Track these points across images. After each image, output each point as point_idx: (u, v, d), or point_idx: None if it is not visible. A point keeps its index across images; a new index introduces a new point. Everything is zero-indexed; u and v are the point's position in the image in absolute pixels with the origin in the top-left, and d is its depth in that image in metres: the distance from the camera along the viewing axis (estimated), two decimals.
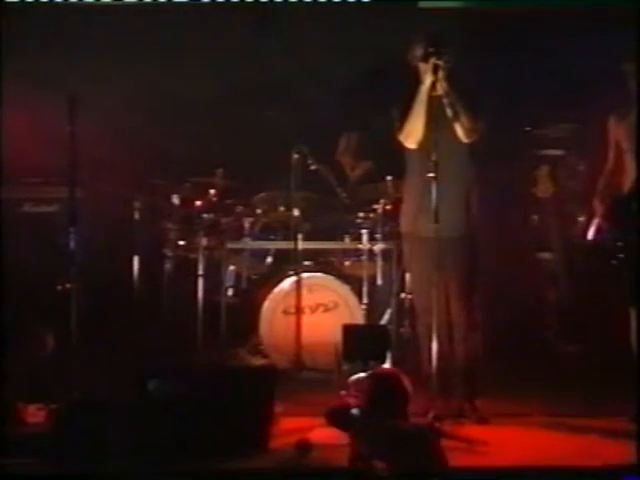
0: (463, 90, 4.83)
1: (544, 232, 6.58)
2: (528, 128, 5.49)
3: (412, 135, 4.87)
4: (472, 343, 4.91)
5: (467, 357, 4.89)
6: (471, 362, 4.91)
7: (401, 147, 4.99)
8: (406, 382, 3.90)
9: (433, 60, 4.73)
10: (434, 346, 4.61)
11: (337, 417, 3.88)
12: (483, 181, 5.02)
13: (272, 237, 6.30)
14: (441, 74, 4.74)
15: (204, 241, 5.98)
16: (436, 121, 4.74)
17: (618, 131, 4.91)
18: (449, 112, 4.81)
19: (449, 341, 4.86)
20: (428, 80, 4.78)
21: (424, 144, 4.84)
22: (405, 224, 5.06)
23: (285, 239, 6.13)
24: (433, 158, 4.63)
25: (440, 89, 4.77)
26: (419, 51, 4.84)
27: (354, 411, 3.86)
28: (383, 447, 3.61)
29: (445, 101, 4.80)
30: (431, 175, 4.64)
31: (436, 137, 4.69)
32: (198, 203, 6.04)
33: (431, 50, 4.75)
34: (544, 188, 6.49)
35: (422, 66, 4.84)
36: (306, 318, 5.85)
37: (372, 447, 3.64)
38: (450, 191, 4.74)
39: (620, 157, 4.89)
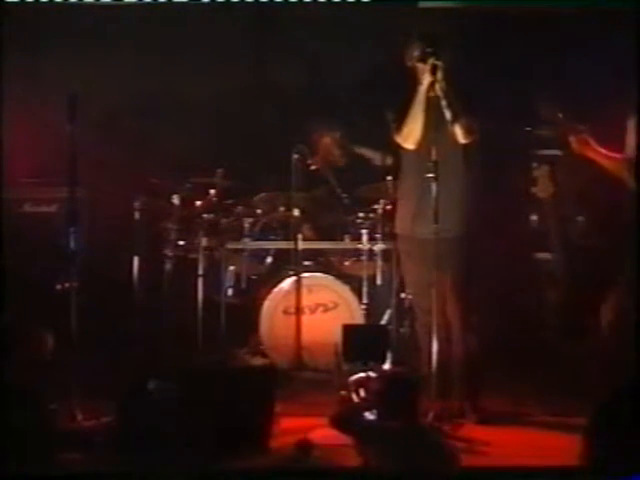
0: (461, 90, 4.83)
1: (543, 232, 6.58)
2: (528, 128, 5.50)
3: (411, 136, 4.86)
4: (470, 343, 4.91)
5: (466, 357, 4.90)
6: (470, 362, 4.91)
7: (397, 148, 5.00)
8: (414, 383, 3.89)
9: (431, 60, 4.73)
10: (434, 346, 4.61)
11: (343, 422, 3.87)
12: (481, 181, 5.02)
13: (272, 237, 6.29)
14: (439, 74, 4.73)
15: (204, 241, 5.98)
16: (434, 121, 4.74)
17: None
18: (447, 112, 4.80)
19: (448, 341, 4.86)
20: (426, 81, 4.77)
21: (421, 145, 4.84)
22: (401, 225, 5.06)
23: (285, 239, 6.13)
24: (433, 158, 4.63)
25: (438, 89, 4.77)
26: (417, 52, 4.84)
27: (361, 415, 3.84)
28: (391, 450, 3.60)
29: (443, 101, 4.79)
30: (430, 175, 4.64)
31: (434, 137, 4.68)
32: (198, 203, 6.03)
33: (429, 51, 4.75)
34: (544, 188, 6.49)
35: (420, 66, 4.84)
36: (306, 318, 5.85)
37: (380, 450, 3.62)
38: (447, 191, 4.74)
39: None
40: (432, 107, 4.77)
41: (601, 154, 5.14)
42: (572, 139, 5.08)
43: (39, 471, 3.88)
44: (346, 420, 3.86)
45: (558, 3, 6.06)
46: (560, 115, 5.06)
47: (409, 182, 4.98)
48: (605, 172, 5.21)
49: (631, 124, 5.12)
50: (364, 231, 6.02)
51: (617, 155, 5.17)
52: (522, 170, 6.56)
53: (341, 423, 3.88)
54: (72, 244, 4.78)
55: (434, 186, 4.63)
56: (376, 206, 6.03)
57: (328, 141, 6.49)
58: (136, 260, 6.00)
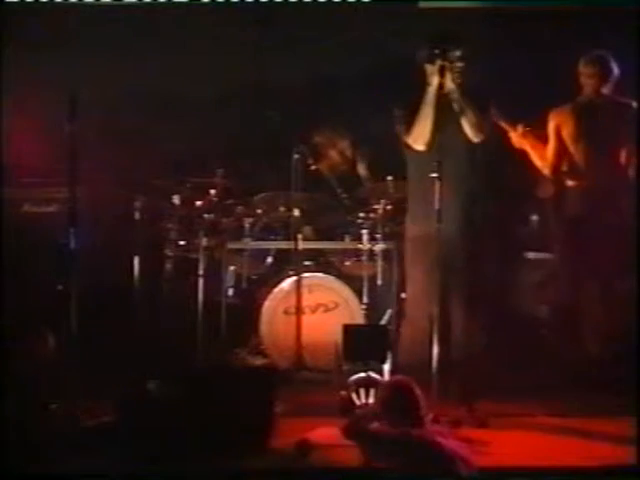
0: (469, 90, 4.85)
1: (544, 232, 6.59)
2: (528, 127, 5.55)
3: (421, 137, 4.88)
4: (473, 345, 4.92)
5: (467, 360, 4.90)
6: (470, 364, 4.91)
7: (404, 148, 5.00)
8: (417, 390, 3.88)
9: (439, 61, 4.74)
10: (435, 349, 4.62)
11: (355, 432, 3.85)
12: (486, 181, 5.06)
13: (272, 237, 6.29)
14: (448, 75, 4.75)
15: (204, 241, 5.98)
16: (442, 121, 4.76)
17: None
18: (457, 112, 4.82)
19: (449, 344, 4.85)
20: (435, 81, 4.79)
21: (430, 145, 4.86)
22: (411, 226, 5.05)
23: (285, 239, 6.13)
24: (437, 158, 4.63)
25: (448, 89, 4.78)
26: (425, 53, 4.86)
27: (374, 424, 3.82)
28: (398, 457, 3.59)
29: (452, 102, 4.81)
30: (434, 175, 4.64)
31: (441, 137, 4.70)
32: (198, 203, 6.03)
33: (437, 52, 4.76)
34: (544, 188, 6.50)
35: (428, 67, 4.86)
36: (306, 318, 5.84)
37: (387, 458, 3.62)
38: (455, 191, 4.75)
39: None
40: (441, 107, 4.78)
41: (535, 150, 5.47)
42: (512, 134, 5.45)
43: (39, 471, 3.88)
44: (359, 430, 3.85)
45: (559, 2, 6.06)
46: (495, 111, 5.29)
47: (418, 182, 4.99)
48: (533, 167, 5.62)
49: (551, 124, 5.52)
50: (364, 231, 6.02)
51: (547, 153, 5.53)
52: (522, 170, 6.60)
53: (354, 434, 3.86)
54: (72, 244, 4.78)
55: (438, 185, 4.63)
56: (376, 206, 6.03)
57: (332, 151, 6.50)
58: (136, 260, 6.00)
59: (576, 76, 5.53)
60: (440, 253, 4.65)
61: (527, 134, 5.42)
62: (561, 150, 5.48)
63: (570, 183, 5.51)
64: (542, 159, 5.52)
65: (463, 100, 4.82)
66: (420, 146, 4.91)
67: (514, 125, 5.39)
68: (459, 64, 4.85)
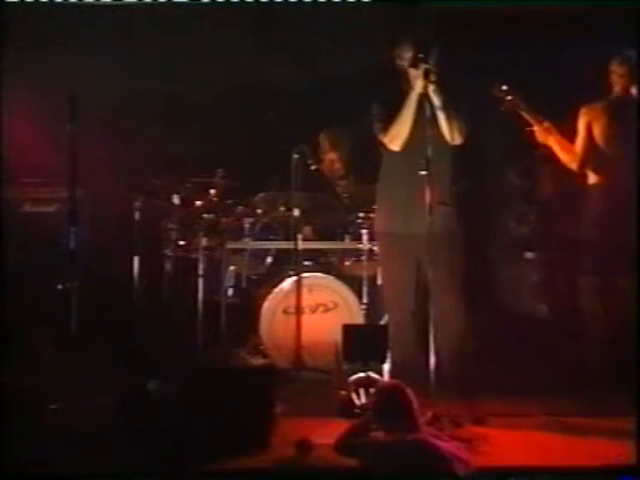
0: (453, 93, 4.87)
1: (539, 230, 6.62)
2: (528, 128, 5.56)
3: (398, 138, 4.92)
4: (461, 342, 4.94)
5: (456, 357, 4.92)
6: (461, 362, 4.93)
7: (381, 147, 5.03)
8: (409, 392, 3.88)
9: (423, 66, 4.75)
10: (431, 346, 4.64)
11: (348, 447, 3.85)
12: (467, 179, 5.11)
13: (272, 237, 6.29)
14: (432, 78, 4.75)
15: (204, 241, 5.98)
16: (423, 122, 4.75)
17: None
18: (440, 115, 4.84)
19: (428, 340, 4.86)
20: (419, 85, 4.80)
21: (407, 145, 4.88)
22: (386, 223, 5.09)
23: (285, 239, 6.13)
24: (425, 157, 4.63)
25: (431, 93, 4.78)
26: (409, 57, 4.87)
27: (366, 437, 3.82)
28: (395, 463, 3.59)
29: (435, 105, 4.82)
30: (423, 173, 4.63)
31: (425, 137, 4.71)
32: (198, 203, 6.03)
33: (421, 56, 4.77)
34: (543, 187, 6.51)
35: (412, 72, 4.86)
36: (306, 318, 5.84)
37: (385, 465, 3.62)
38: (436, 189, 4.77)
39: None
40: (423, 109, 4.79)
41: (561, 144, 5.50)
42: (536, 128, 5.43)
43: (39, 471, 3.89)
44: (351, 445, 3.85)
45: (559, 2, 6.07)
46: (522, 105, 5.33)
47: (394, 181, 5.03)
48: (559, 163, 5.58)
49: (583, 120, 5.51)
50: (364, 231, 6.02)
51: (573, 148, 5.52)
52: (519, 168, 6.63)
53: (346, 449, 3.86)
54: (72, 244, 4.78)
55: (427, 184, 4.63)
56: (376, 206, 6.03)
57: (333, 156, 6.50)
58: (136, 260, 6.00)
59: (607, 74, 5.56)
60: (426, 250, 4.68)
61: (552, 129, 5.44)
62: (590, 146, 5.51)
63: (597, 179, 5.53)
64: (570, 153, 5.53)
65: (447, 103, 4.83)
66: (395, 147, 4.94)
67: (540, 120, 5.41)
68: (442, 68, 4.86)
